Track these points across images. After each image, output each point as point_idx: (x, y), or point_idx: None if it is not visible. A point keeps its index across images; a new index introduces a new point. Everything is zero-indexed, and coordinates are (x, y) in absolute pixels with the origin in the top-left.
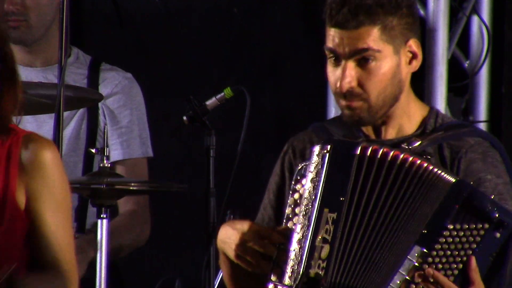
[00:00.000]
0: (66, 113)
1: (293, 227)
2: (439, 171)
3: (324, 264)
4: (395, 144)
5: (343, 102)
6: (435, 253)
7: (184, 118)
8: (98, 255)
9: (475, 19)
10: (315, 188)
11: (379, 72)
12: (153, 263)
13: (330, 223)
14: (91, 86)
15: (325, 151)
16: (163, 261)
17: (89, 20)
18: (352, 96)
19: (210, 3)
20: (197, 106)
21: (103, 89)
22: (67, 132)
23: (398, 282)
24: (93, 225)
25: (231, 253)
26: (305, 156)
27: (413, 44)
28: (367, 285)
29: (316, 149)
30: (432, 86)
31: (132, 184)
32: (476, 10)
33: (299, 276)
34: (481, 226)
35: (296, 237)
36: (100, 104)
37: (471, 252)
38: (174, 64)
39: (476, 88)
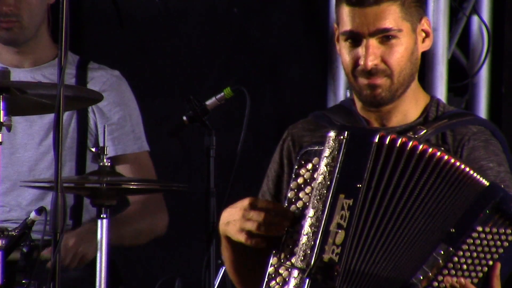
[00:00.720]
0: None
1: (296, 210)
2: (472, 172)
3: (339, 250)
4: (400, 132)
5: (365, 81)
6: (461, 253)
7: (184, 118)
8: (98, 255)
9: (475, 19)
10: (330, 173)
11: (401, 49)
12: (153, 263)
13: (345, 209)
14: (79, 85)
15: (342, 137)
16: (163, 261)
17: (89, 20)
18: (377, 73)
19: (210, 3)
20: (197, 106)
21: (91, 88)
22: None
23: (421, 277)
24: (90, 218)
25: (233, 230)
26: (303, 144)
27: (425, 23)
28: (384, 274)
29: (332, 134)
30: (432, 86)
31: (132, 183)
32: (476, 10)
33: (313, 261)
34: (510, 231)
35: (309, 221)
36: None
37: (497, 256)
38: (174, 64)
39: (476, 88)
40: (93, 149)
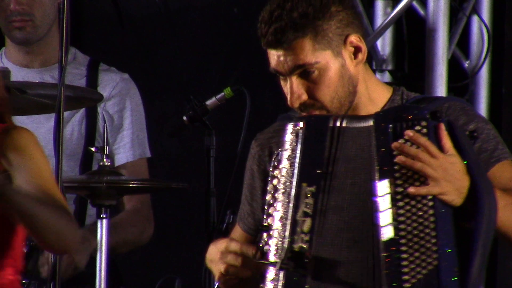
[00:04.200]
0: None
1: (273, 213)
2: (352, 124)
3: (308, 238)
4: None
5: (303, 114)
6: (398, 174)
7: (184, 118)
8: (98, 255)
9: (475, 19)
10: (292, 165)
11: (325, 79)
12: (153, 263)
13: (310, 196)
14: (90, 86)
15: (299, 128)
16: (163, 261)
17: (89, 20)
18: (307, 108)
19: (210, 3)
20: (197, 106)
21: (101, 92)
22: (65, 135)
23: (390, 216)
24: (92, 223)
25: (214, 270)
26: (272, 145)
27: (354, 40)
28: (350, 251)
29: (289, 127)
30: (432, 86)
31: (132, 182)
32: (476, 10)
33: (284, 252)
34: (420, 127)
35: (277, 215)
36: (99, 109)
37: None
38: (174, 64)
39: (476, 88)
40: (93, 149)
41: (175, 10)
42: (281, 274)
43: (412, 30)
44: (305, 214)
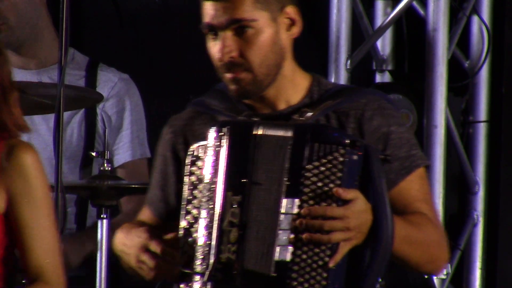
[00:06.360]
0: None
1: (192, 210)
2: (277, 130)
3: (235, 248)
4: (287, 115)
5: (228, 75)
6: (306, 197)
7: None
8: (98, 255)
9: (475, 19)
10: (216, 172)
11: (258, 40)
12: None
13: (236, 205)
14: (89, 87)
15: (223, 134)
16: None
17: (89, 20)
18: (235, 67)
19: None
20: None
21: (99, 92)
22: (64, 137)
23: (285, 238)
24: (92, 225)
25: (130, 262)
26: (186, 134)
27: (291, 11)
28: (261, 258)
29: (212, 131)
30: (432, 86)
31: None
32: (476, 10)
33: (211, 262)
34: (337, 154)
35: (202, 223)
36: (98, 110)
37: (339, 182)
38: (174, 64)
39: (476, 88)
40: (94, 153)
41: (175, 10)
42: (209, 285)
43: (412, 30)
44: (232, 224)
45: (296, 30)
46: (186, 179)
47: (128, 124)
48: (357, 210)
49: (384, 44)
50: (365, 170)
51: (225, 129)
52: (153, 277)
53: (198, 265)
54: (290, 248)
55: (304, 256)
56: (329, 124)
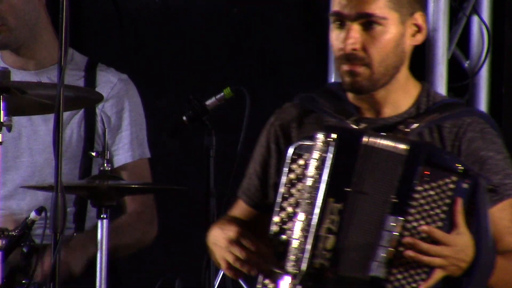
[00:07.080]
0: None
1: (287, 208)
2: (388, 143)
3: (330, 255)
4: (392, 125)
5: (346, 67)
6: (411, 217)
7: (184, 118)
8: (98, 255)
9: (475, 19)
10: (320, 176)
11: (383, 38)
12: (153, 263)
13: (335, 213)
14: (88, 87)
15: (331, 140)
16: (163, 261)
17: (89, 20)
18: (355, 60)
19: (210, 3)
20: (197, 106)
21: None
22: (64, 138)
23: (383, 255)
24: (92, 226)
25: (217, 254)
26: (291, 129)
27: (419, 18)
28: (357, 269)
29: (321, 136)
30: (432, 86)
31: (132, 184)
32: (476, 10)
33: (305, 266)
34: (449, 180)
35: (299, 225)
36: (98, 111)
37: (446, 208)
38: (174, 64)
39: (476, 88)
40: (93, 153)
41: (175, 10)
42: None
43: None
44: (329, 231)
45: (420, 37)
46: (284, 175)
47: (127, 124)
48: (463, 243)
49: None
50: (471, 199)
51: (334, 135)
52: (235, 273)
53: (290, 266)
54: (386, 265)
55: (399, 276)
56: (444, 149)
